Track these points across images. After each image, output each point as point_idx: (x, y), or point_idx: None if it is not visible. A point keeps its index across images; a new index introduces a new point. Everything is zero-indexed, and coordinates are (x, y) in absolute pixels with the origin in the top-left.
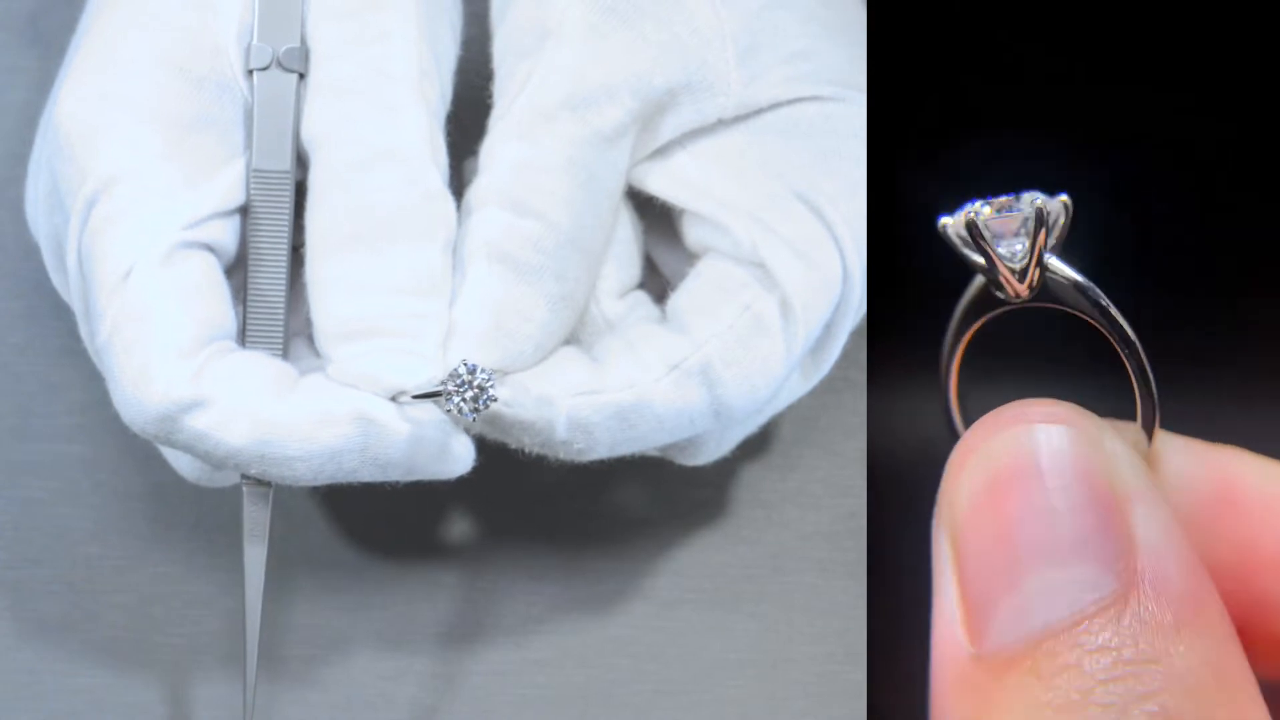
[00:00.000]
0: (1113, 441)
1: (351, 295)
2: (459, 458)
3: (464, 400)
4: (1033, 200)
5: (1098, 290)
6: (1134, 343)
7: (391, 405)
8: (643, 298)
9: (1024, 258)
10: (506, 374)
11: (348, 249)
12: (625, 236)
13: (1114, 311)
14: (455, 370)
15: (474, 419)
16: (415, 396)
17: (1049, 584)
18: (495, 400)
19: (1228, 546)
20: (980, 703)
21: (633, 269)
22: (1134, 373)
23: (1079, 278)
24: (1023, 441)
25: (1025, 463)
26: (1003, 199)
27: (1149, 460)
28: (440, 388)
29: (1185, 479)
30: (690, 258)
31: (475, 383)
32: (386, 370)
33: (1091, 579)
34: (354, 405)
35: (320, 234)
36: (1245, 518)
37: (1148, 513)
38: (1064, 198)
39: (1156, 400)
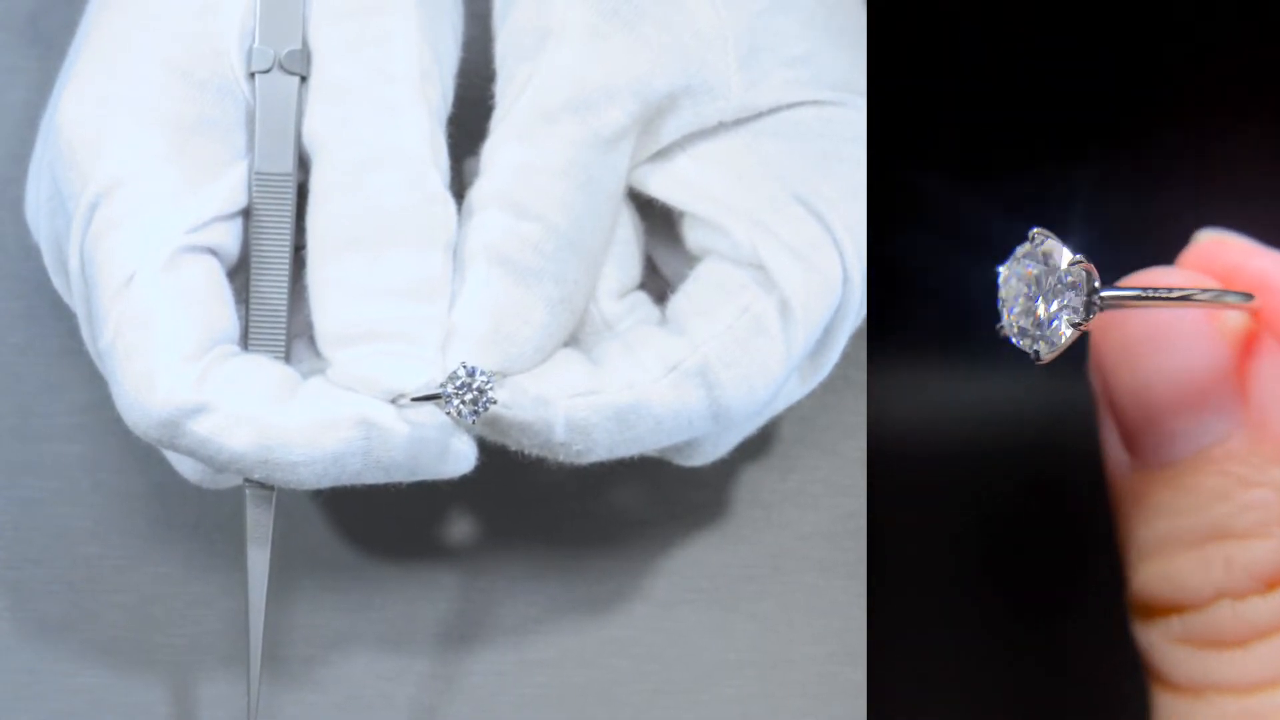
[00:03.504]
0: (1230, 312)
1: (352, 298)
2: (461, 457)
3: (463, 403)
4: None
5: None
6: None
7: (393, 408)
8: (642, 299)
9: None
10: (506, 376)
11: (348, 251)
12: (626, 237)
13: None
14: (454, 373)
15: (473, 421)
16: (414, 399)
17: (1181, 426)
18: (494, 402)
19: None
20: (1134, 500)
21: (633, 270)
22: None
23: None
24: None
25: (1165, 328)
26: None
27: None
28: (439, 390)
29: None
30: (690, 260)
31: (474, 385)
32: (386, 373)
33: (1212, 424)
34: (356, 409)
35: (321, 236)
36: None
37: (1260, 369)
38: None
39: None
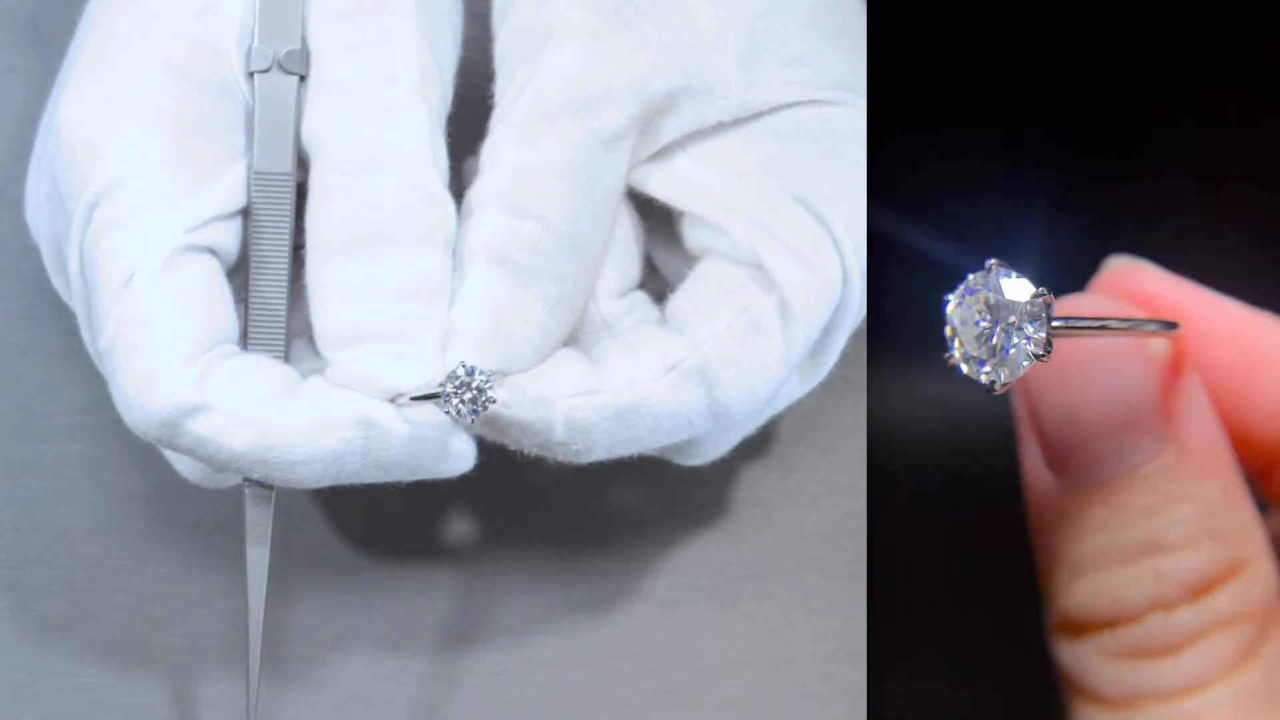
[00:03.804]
0: (1158, 341)
1: (351, 299)
2: (461, 456)
3: (462, 402)
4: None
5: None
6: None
7: (392, 407)
8: (642, 298)
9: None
10: (505, 375)
11: (348, 252)
12: (625, 237)
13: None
14: (453, 372)
15: (472, 421)
16: (413, 398)
17: (1112, 447)
18: (493, 402)
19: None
20: (1063, 519)
21: (632, 269)
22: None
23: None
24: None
25: (1094, 353)
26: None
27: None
28: (439, 389)
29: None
30: (690, 259)
31: (473, 384)
32: (385, 373)
33: (1142, 444)
34: (355, 409)
35: (320, 237)
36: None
37: (1182, 391)
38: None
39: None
